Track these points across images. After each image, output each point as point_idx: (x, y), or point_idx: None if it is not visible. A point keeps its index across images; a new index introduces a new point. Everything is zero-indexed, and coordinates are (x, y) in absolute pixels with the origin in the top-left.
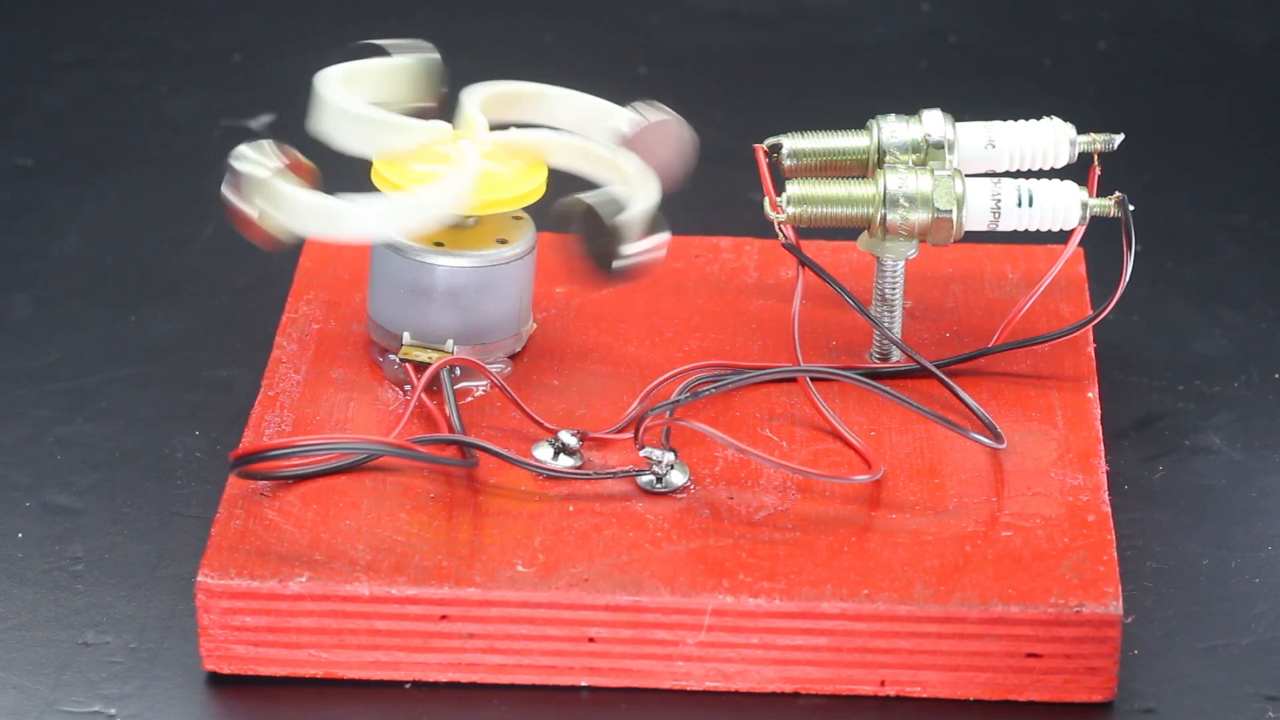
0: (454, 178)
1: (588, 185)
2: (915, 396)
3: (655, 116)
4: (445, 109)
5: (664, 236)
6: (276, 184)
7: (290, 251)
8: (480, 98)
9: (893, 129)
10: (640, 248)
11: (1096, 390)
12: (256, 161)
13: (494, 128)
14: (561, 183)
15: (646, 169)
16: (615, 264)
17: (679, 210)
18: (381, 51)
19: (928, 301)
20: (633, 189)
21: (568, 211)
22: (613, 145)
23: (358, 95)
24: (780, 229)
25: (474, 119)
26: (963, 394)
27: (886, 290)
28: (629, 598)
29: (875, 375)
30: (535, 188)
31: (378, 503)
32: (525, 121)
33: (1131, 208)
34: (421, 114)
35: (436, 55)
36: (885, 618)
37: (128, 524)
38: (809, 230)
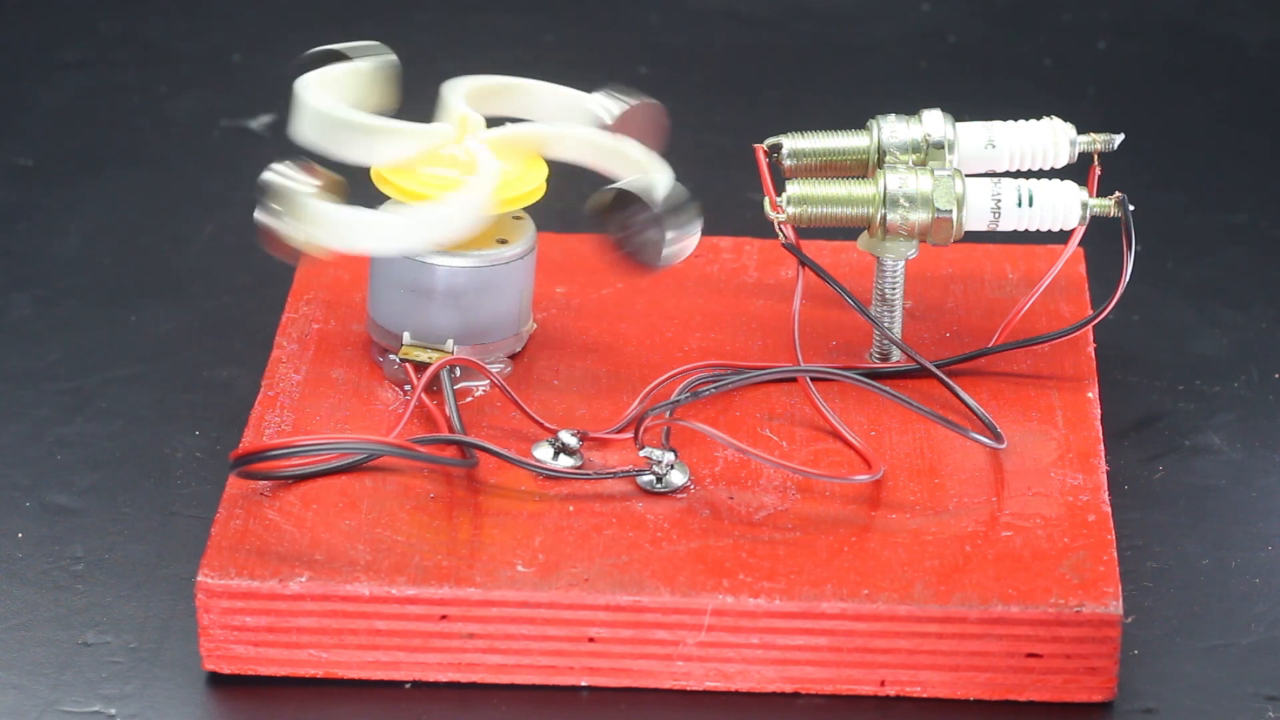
0: (479, 182)
1: (598, 181)
2: (915, 396)
3: (632, 101)
4: (408, 111)
5: (698, 222)
6: (313, 202)
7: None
8: (463, 93)
9: (893, 129)
10: (680, 232)
11: (1096, 390)
12: (292, 178)
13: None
14: (558, 185)
15: (650, 152)
16: (664, 251)
17: None
18: (342, 56)
19: (928, 301)
20: (648, 173)
21: (606, 205)
22: (612, 133)
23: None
24: (780, 229)
25: (469, 116)
26: (963, 394)
27: (886, 290)
28: (629, 598)
29: (875, 375)
30: (538, 186)
31: (378, 503)
32: (503, 115)
33: (1131, 208)
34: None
35: (394, 58)
36: (885, 618)
37: (128, 524)
38: (809, 230)
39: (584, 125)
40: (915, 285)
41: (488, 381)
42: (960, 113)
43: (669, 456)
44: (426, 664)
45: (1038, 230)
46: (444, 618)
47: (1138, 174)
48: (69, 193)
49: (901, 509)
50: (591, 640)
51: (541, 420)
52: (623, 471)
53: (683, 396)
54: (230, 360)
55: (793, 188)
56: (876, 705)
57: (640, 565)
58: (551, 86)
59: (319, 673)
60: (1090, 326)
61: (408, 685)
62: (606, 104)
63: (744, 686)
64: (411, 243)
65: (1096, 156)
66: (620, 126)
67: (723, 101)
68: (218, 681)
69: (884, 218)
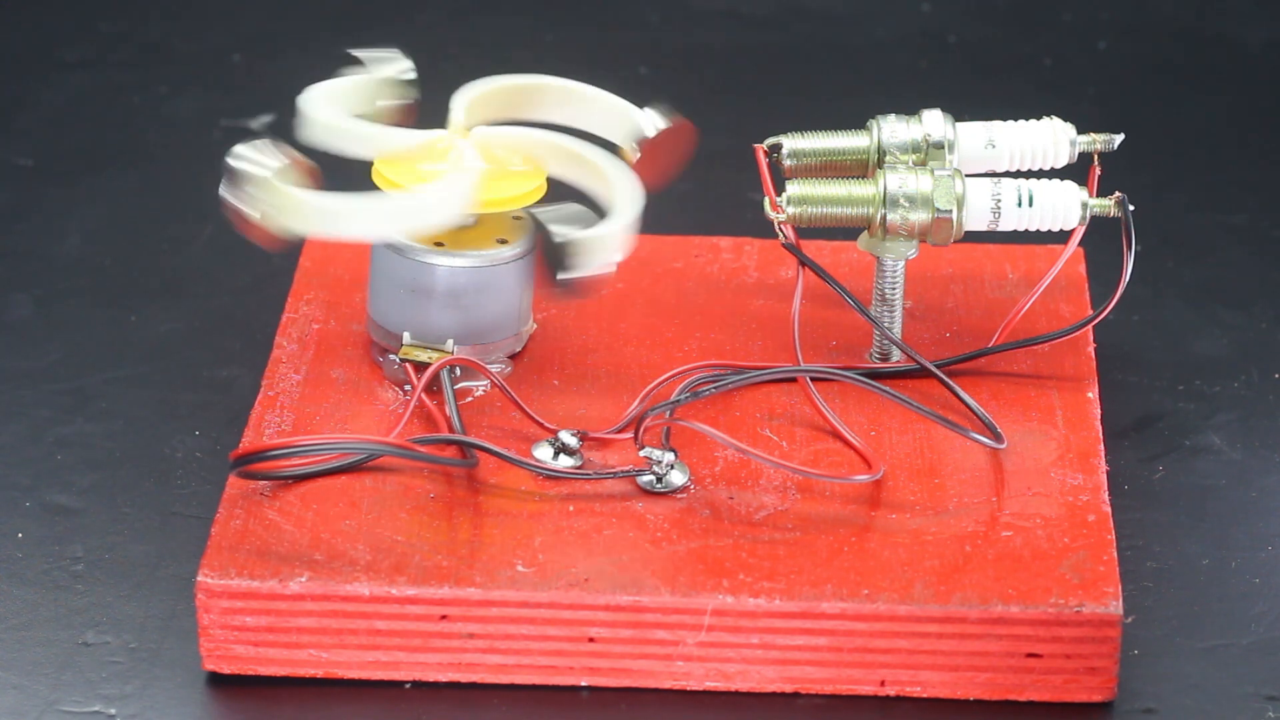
0: (455, 177)
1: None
2: (915, 396)
3: (669, 121)
4: (423, 114)
5: (615, 258)
6: (277, 184)
7: (290, 251)
8: (469, 98)
9: (893, 129)
10: (586, 270)
11: (1096, 390)
12: (256, 161)
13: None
14: (559, 185)
15: (634, 180)
16: (559, 278)
17: (679, 210)
18: (358, 63)
19: (928, 301)
20: (613, 200)
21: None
22: (603, 151)
23: (342, 109)
24: (780, 229)
25: (461, 123)
26: (963, 394)
27: (886, 290)
28: (629, 598)
29: (875, 375)
30: (536, 187)
31: (378, 503)
32: (523, 119)
33: (1131, 208)
34: (396, 115)
35: (409, 64)
36: (885, 618)
37: (128, 524)
38: (809, 230)
39: (606, 129)
40: (915, 285)
41: (488, 381)
42: (960, 113)
43: (669, 456)
44: (426, 664)
45: (1038, 230)
46: (444, 618)
47: (1138, 174)
48: (69, 193)
49: (901, 509)
50: (591, 640)
51: (541, 420)
52: (623, 471)
53: (683, 396)
54: (230, 360)
55: (793, 188)
56: (876, 705)
57: (640, 565)
58: (577, 86)
59: (319, 673)
60: (1090, 326)
61: (408, 685)
62: (653, 119)
63: (744, 686)
64: (372, 230)
65: (1096, 156)
66: (653, 143)
67: (723, 101)
68: (218, 681)
69: (884, 218)
